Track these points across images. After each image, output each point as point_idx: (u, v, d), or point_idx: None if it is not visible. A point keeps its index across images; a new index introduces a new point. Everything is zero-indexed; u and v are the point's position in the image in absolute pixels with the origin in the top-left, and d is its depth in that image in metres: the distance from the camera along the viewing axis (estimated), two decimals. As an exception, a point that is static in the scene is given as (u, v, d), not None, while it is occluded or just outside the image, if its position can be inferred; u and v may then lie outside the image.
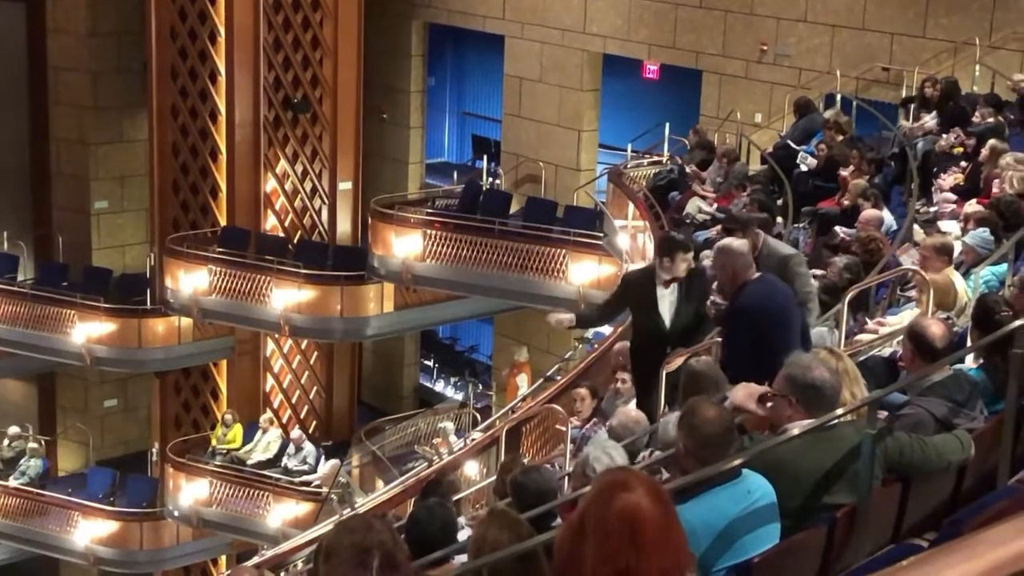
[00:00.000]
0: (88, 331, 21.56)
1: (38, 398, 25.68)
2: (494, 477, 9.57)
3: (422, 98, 24.80)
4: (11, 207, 24.93)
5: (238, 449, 21.63)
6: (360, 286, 20.72)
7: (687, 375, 6.98)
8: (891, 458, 4.73)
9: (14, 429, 23.28)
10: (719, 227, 11.98)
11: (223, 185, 22.19)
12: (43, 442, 23.66)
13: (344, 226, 22.52)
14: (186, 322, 21.78)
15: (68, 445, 25.24)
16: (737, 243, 7.59)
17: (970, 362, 6.21)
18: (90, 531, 21.86)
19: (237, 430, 21.85)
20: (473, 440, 14.60)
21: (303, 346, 22.79)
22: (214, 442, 21.88)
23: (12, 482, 22.48)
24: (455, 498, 9.12)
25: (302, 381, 22.96)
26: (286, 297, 20.52)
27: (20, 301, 22.25)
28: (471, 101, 26.53)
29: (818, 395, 4.81)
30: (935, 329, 5.74)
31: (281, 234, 22.23)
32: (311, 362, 22.93)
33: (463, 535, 6.86)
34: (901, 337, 7.57)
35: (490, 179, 22.65)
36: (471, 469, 13.21)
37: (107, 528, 21.95)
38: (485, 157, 23.43)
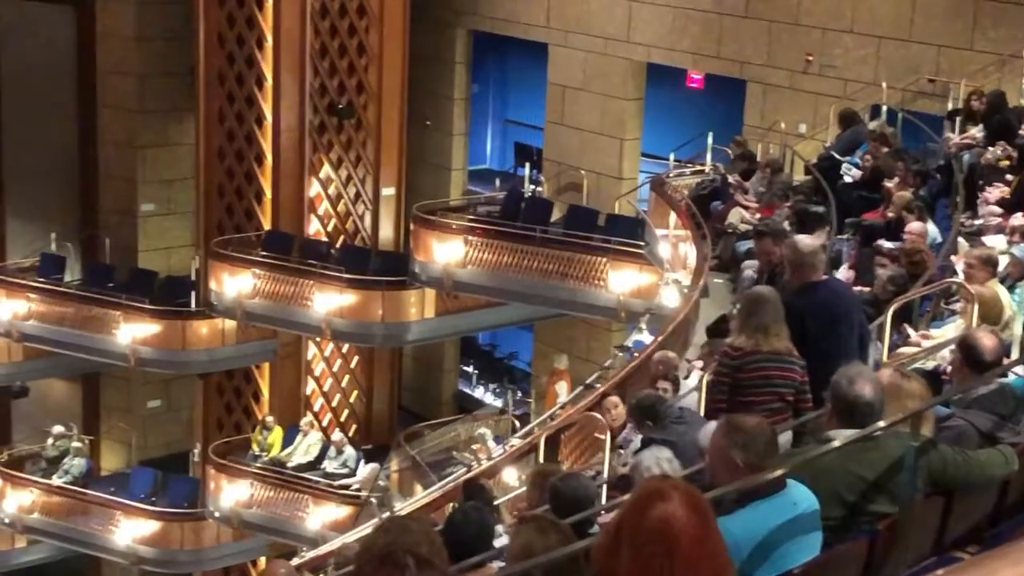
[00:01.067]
0: (133, 332, 21.75)
1: (83, 398, 25.92)
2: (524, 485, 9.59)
3: (465, 105, 24.87)
4: (59, 208, 25.21)
5: (278, 452, 21.74)
6: (401, 291, 20.79)
7: (752, 299, 6.89)
8: (934, 471, 4.73)
9: (58, 428, 23.51)
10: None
11: (268, 189, 22.33)
12: (87, 441, 23.88)
13: (386, 231, 22.60)
14: (229, 324, 21.92)
15: (111, 445, 25.46)
16: (806, 241, 7.56)
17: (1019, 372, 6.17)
18: (132, 530, 22.04)
19: (277, 433, 21.95)
20: (512, 447, 14.61)
21: (344, 350, 22.89)
22: (254, 446, 22.00)
23: (56, 481, 22.70)
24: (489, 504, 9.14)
25: (343, 385, 23.06)
26: (328, 301, 20.62)
27: (67, 301, 22.48)
28: (514, 108, 26.57)
29: (850, 409, 4.81)
30: (987, 341, 5.72)
31: (324, 239, 22.34)
32: (352, 366, 23.02)
33: (501, 542, 6.87)
34: (945, 350, 7.55)
35: (532, 186, 22.67)
36: (509, 476, 13.22)
37: (148, 528, 22.11)
38: (527, 164, 23.45)
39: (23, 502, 23.00)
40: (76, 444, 23.22)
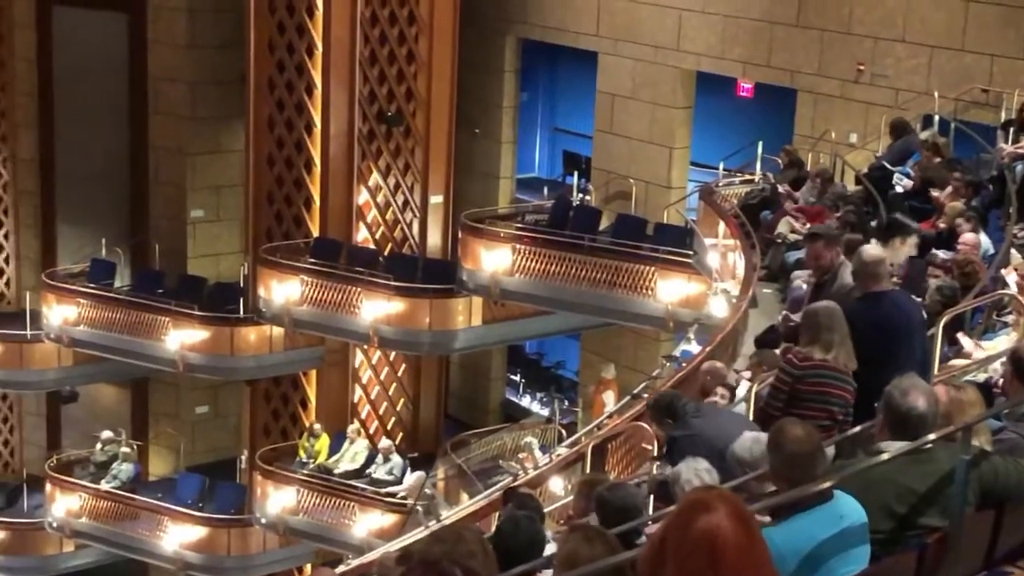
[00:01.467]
0: (182, 338, 21.90)
1: (131, 403, 26.12)
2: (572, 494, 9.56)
3: (514, 113, 24.88)
4: (110, 214, 25.44)
5: (325, 459, 21.81)
6: (449, 299, 20.81)
7: (828, 312, 6.84)
8: (986, 481, 4.65)
9: (107, 433, 23.71)
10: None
11: (316, 196, 22.43)
12: (135, 447, 24.06)
13: (434, 239, 22.65)
14: (277, 331, 22.03)
15: (159, 450, 25.65)
16: (871, 250, 7.53)
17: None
18: (179, 536, 22.18)
19: (324, 440, 22.03)
20: (558, 456, 14.58)
21: (391, 358, 22.93)
22: (301, 453, 22.08)
23: (104, 485, 22.88)
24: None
25: (390, 392, 23.10)
26: (375, 309, 20.67)
27: (116, 307, 22.67)
28: (563, 117, 26.56)
29: (902, 421, 4.76)
30: (1039, 354, 5.65)
31: (372, 246, 22.41)
32: (399, 374, 23.08)
33: (548, 550, 6.84)
34: (996, 363, 7.44)
35: (580, 195, 22.65)
36: (556, 485, 13.19)
37: (195, 533, 22.25)
38: (576, 173, 23.44)
39: (72, 506, 23.21)
40: (124, 449, 23.41)
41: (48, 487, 23.54)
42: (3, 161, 26.12)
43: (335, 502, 21.32)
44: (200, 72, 24.08)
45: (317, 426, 22.24)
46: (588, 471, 11.13)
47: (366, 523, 20.88)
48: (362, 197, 22.51)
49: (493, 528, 8.60)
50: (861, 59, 18.91)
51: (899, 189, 14.53)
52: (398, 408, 23.16)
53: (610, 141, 22.54)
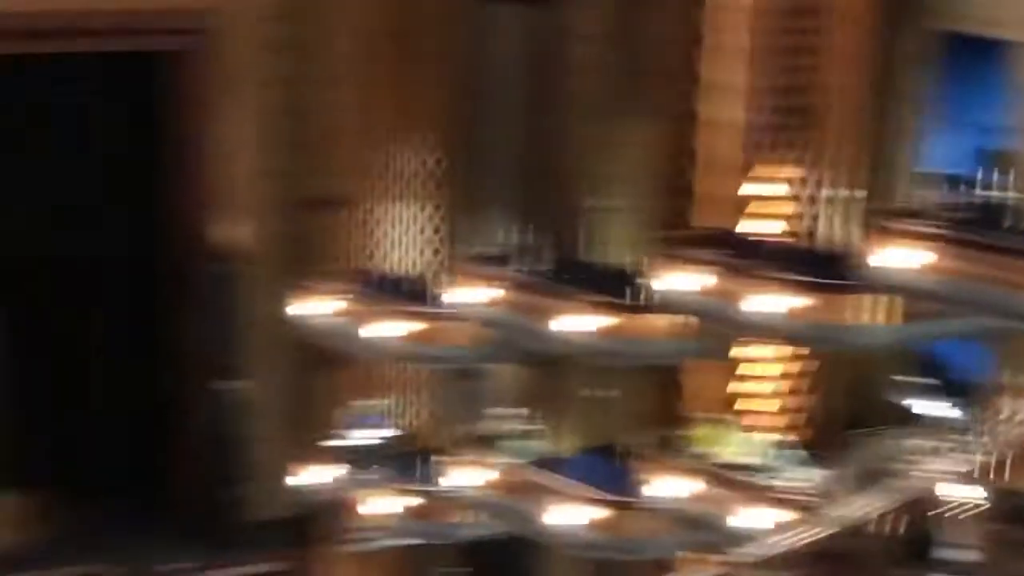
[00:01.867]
0: (587, 323, 22.40)
1: (537, 383, 27.02)
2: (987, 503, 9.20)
3: (928, 107, 24.01)
4: (523, 202, 26.50)
5: (716, 449, 21.87)
6: (853, 295, 20.33)
7: None
8: None
9: (510, 411, 24.67)
10: None
11: (716, 188, 22.47)
12: (539, 425, 24.88)
13: (839, 234, 22.23)
14: (675, 320, 22.19)
15: (560, 430, 26.38)
16: None
17: None
18: (573, 515, 22.77)
19: (717, 431, 22.10)
20: (965, 463, 14.05)
21: (790, 352, 22.68)
22: (692, 441, 22.23)
23: (505, 461, 23.79)
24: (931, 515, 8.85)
25: (786, 387, 22.88)
26: (775, 303, 20.44)
27: (525, 290, 23.38)
28: (980, 111, 25.38)
29: None
30: None
31: (774, 239, 22.22)
32: (797, 369, 22.81)
33: (945, 554, 6.65)
34: None
35: (998, 193, 21.56)
36: (959, 492, 12.73)
37: (589, 513, 22.76)
38: (992, 169, 22.34)
39: (473, 480, 24.29)
40: (526, 427, 24.30)
41: (450, 459, 24.73)
42: (425, 150, 27.70)
43: (726, 493, 21.31)
44: (605, 64, 24.59)
45: (710, 416, 22.31)
46: (1000, 480, 10.67)
47: (756, 516, 20.74)
48: (765, 189, 22.38)
49: (888, 527, 8.43)
50: None
51: None
52: (795, 403, 22.90)
53: (1030, 137, 21.36)
